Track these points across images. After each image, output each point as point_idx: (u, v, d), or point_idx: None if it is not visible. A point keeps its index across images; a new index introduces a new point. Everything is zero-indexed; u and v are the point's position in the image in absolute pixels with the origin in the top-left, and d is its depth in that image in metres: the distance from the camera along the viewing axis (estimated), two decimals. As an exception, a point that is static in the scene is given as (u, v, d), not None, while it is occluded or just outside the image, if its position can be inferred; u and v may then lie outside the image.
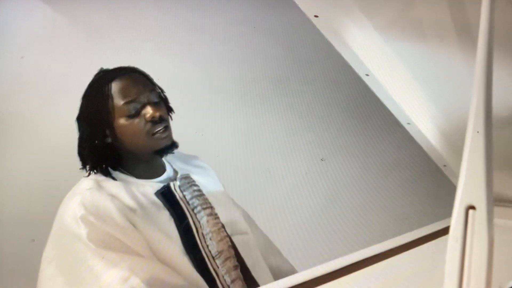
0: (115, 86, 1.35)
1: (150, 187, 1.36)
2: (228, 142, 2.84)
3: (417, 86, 1.39)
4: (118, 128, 1.34)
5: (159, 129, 1.35)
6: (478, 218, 0.76)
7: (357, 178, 2.85)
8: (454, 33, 1.26)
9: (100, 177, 1.34)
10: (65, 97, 2.48)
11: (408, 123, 1.49)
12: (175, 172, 1.47)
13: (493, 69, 1.32)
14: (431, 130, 1.47)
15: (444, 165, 1.58)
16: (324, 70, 3.21)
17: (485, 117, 0.80)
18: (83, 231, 1.18)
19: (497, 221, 1.45)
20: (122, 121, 1.33)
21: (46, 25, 2.90)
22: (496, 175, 1.58)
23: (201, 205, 1.41)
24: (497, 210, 1.58)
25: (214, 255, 1.36)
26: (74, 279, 1.17)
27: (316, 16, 1.25)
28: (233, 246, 1.43)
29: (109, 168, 1.37)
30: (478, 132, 0.79)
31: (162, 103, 1.42)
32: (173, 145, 1.39)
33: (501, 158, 1.56)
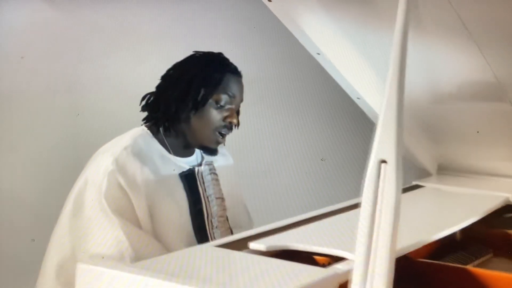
0: (227, 79, 1.51)
1: (178, 166, 1.50)
2: (228, 142, 2.76)
3: (365, 63, 1.53)
4: (205, 109, 1.49)
5: (224, 133, 1.53)
6: (389, 170, 0.90)
7: (356, 178, 2.89)
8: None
9: (142, 138, 1.48)
10: (66, 97, 2.53)
11: (358, 98, 1.64)
12: (202, 156, 1.60)
13: (441, 52, 1.48)
14: (375, 100, 1.62)
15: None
16: (324, 70, 3.20)
17: (398, 88, 0.94)
18: (104, 185, 1.35)
19: (452, 188, 1.62)
20: (211, 106, 1.49)
21: (46, 25, 2.84)
22: (454, 147, 1.73)
23: (215, 193, 1.55)
24: (457, 179, 1.75)
25: None
26: (79, 222, 1.36)
27: (269, 1, 1.39)
28: None
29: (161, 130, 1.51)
30: (391, 101, 0.93)
31: (238, 112, 1.57)
32: (216, 151, 1.57)
33: (462, 132, 1.72)
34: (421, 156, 1.83)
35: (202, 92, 1.47)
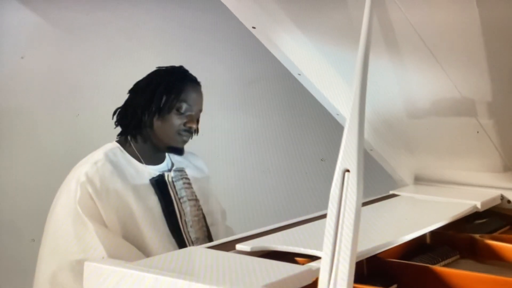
0: (187, 88, 1.69)
1: (148, 173, 1.67)
2: (228, 142, 2.84)
3: (342, 80, 1.67)
4: (167, 115, 1.66)
5: (184, 135, 1.69)
6: (351, 178, 1.04)
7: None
8: (375, 36, 1.53)
9: (112, 152, 1.66)
10: (65, 98, 2.56)
11: (337, 114, 1.78)
12: (172, 164, 1.76)
13: (412, 72, 1.61)
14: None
15: (371, 150, 1.87)
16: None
17: (359, 107, 1.08)
18: (78, 194, 1.53)
19: (425, 197, 1.75)
20: (172, 112, 1.66)
21: (46, 25, 2.92)
22: (429, 159, 1.86)
23: (187, 196, 1.71)
24: (431, 188, 1.87)
25: (193, 240, 1.67)
26: (58, 235, 1.54)
27: (253, 28, 1.54)
28: (209, 236, 1.75)
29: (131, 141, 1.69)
30: (353, 118, 1.07)
31: (197, 120, 1.75)
32: (181, 151, 1.74)
33: (430, 144, 1.85)
34: (398, 167, 1.96)
35: (164, 99, 1.65)
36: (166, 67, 1.75)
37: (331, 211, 1.03)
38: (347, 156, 1.04)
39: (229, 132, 2.87)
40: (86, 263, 1.18)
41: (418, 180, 1.98)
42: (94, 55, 2.81)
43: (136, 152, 1.69)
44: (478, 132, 1.70)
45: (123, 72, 2.66)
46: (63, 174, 1.77)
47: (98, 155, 1.64)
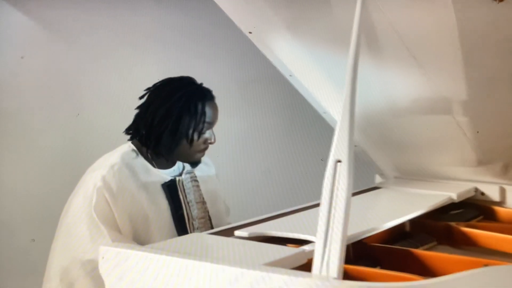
0: (207, 108, 1.73)
1: (161, 177, 1.74)
2: (228, 142, 2.79)
3: (330, 81, 1.80)
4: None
5: (205, 150, 1.77)
6: (343, 168, 1.16)
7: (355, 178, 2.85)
8: (366, 40, 1.66)
9: (128, 156, 1.71)
10: (65, 98, 2.57)
11: (324, 112, 1.92)
12: (183, 167, 1.84)
13: (393, 72, 1.74)
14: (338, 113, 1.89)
15: (355, 146, 2.01)
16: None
17: (350, 103, 1.21)
18: (94, 199, 1.59)
19: (406, 189, 1.88)
20: (195, 134, 1.72)
21: (46, 26, 2.87)
22: (409, 155, 1.99)
23: (195, 199, 1.80)
24: (411, 182, 1.99)
25: None
26: (72, 234, 1.61)
27: (250, 33, 1.67)
28: None
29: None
30: (345, 112, 1.20)
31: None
32: (199, 162, 1.81)
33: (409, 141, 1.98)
34: (381, 162, 2.10)
35: (187, 124, 1.70)
36: (181, 81, 1.77)
37: (325, 198, 1.15)
38: (339, 148, 1.17)
39: (229, 132, 2.79)
40: (101, 247, 1.29)
41: (400, 174, 2.11)
42: (94, 55, 2.82)
43: (150, 158, 1.74)
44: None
45: (123, 72, 2.69)
46: (63, 174, 1.82)
47: (115, 158, 1.68)
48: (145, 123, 1.71)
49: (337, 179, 1.16)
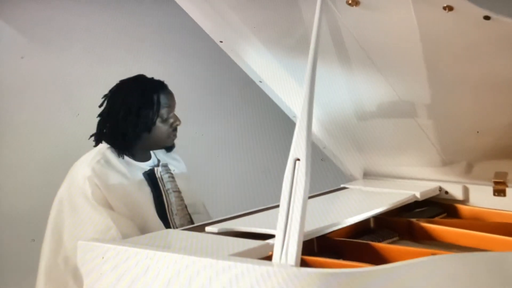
0: (162, 96, 1.90)
1: (141, 168, 1.90)
2: (228, 142, 2.85)
3: (297, 86, 1.91)
4: (154, 128, 1.89)
5: (174, 133, 1.95)
6: (301, 166, 1.26)
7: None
8: (327, 47, 1.77)
9: (109, 151, 1.86)
10: (65, 98, 2.62)
11: (294, 116, 2.02)
12: (158, 160, 2.00)
13: (358, 79, 1.85)
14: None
15: (324, 147, 2.12)
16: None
17: (308, 105, 1.31)
18: (88, 190, 1.74)
19: (371, 189, 1.98)
20: (158, 122, 1.89)
21: (46, 26, 2.92)
22: (376, 156, 2.09)
23: (172, 188, 1.95)
24: (377, 182, 2.09)
25: (178, 227, 1.89)
26: (77, 216, 1.74)
27: (221, 42, 1.78)
28: (192, 222, 1.97)
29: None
30: (304, 114, 1.30)
31: None
32: (173, 146, 2.02)
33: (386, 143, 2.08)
34: (349, 164, 2.20)
35: (145, 115, 1.87)
36: (133, 81, 1.93)
37: (284, 193, 1.25)
38: (298, 147, 1.27)
39: (229, 132, 2.86)
40: (79, 242, 1.39)
41: (367, 175, 2.22)
42: (94, 56, 2.86)
43: (123, 154, 1.89)
44: (478, 132, 1.88)
45: (122, 72, 2.56)
46: (64, 174, 1.90)
47: (96, 154, 1.84)
48: (109, 127, 1.88)
49: (295, 176, 1.25)
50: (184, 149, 2.26)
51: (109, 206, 1.75)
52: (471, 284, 1.21)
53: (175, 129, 1.95)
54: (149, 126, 1.88)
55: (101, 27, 2.94)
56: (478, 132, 1.86)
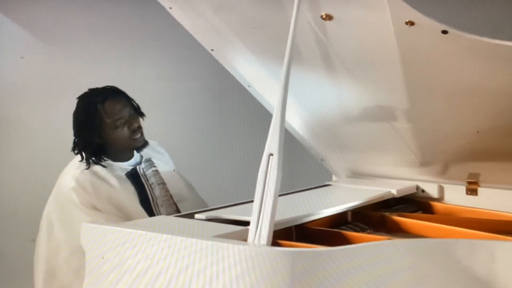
0: (106, 107, 2.05)
1: (123, 169, 2.09)
2: (228, 142, 2.91)
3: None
4: (108, 135, 2.06)
5: (137, 136, 2.10)
6: (274, 160, 1.44)
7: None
8: (312, 56, 1.94)
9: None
10: (65, 98, 2.50)
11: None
12: (141, 156, 2.18)
13: (338, 85, 2.02)
14: (296, 121, 2.19)
15: (311, 148, 2.30)
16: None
17: (281, 106, 1.48)
18: (76, 199, 1.94)
19: (352, 186, 2.15)
20: (111, 131, 2.06)
21: (46, 26, 2.97)
22: (359, 157, 2.25)
23: (156, 181, 2.15)
24: (359, 180, 2.26)
25: None
26: (70, 227, 1.93)
27: (212, 50, 1.97)
28: (178, 210, 2.17)
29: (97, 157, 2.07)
30: (277, 113, 1.48)
31: (136, 113, 2.14)
32: (145, 144, 2.16)
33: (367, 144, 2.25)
34: (334, 163, 2.38)
35: (96, 125, 2.04)
36: (85, 96, 2.10)
37: (259, 184, 1.42)
38: (272, 143, 1.44)
39: (229, 132, 2.92)
40: (82, 224, 1.58)
41: (351, 174, 2.39)
42: (94, 56, 2.92)
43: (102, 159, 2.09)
44: (478, 132, 1.98)
45: (122, 72, 2.82)
46: None
47: (78, 162, 2.04)
48: (74, 140, 2.08)
49: (269, 169, 1.43)
50: (184, 150, 2.44)
51: (97, 209, 1.95)
52: (415, 264, 1.39)
53: (134, 131, 2.09)
54: (99, 134, 2.04)
55: (101, 27, 3.01)
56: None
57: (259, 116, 2.78)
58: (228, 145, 2.88)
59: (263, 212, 1.40)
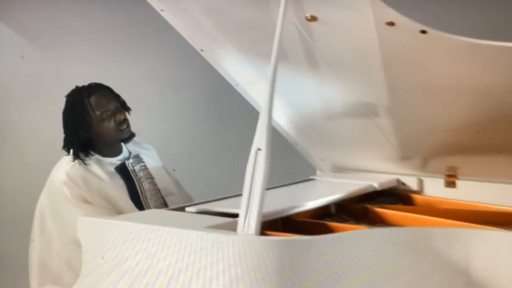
0: (92, 101, 2.12)
1: (112, 164, 2.16)
2: (228, 142, 2.92)
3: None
4: (95, 129, 2.13)
5: (123, 128, 2.17)
6: (261, 155, 1.51)
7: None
8: (297, 55, 2.01)
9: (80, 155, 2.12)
10: (61, 99, 2.48)
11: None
12: (129, 152, 2.26)
13: (323, 82, 2.10)
14: (282, 118, 2.28)
15: (296, 144, 2.38)
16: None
17: (269, 103, 1.56)
18: (67, 192, 2.01)
19: (336, 180, 2.24)
20: (98, 124, 2.13)
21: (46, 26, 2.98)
22: (343, 152, 2.34)
23: (145, 176, 2.22)
24: (343, 174, 2.34)
25: None
26: (61, 219, 2.00)
27: (202, 50, 2.04)
28: (165, 204, 2.24)
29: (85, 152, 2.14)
30: (263, 110, 1.56)
31: (122, 107, 2.21)
32: (132, 136, 2.21)
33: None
34: (318, 158, 2.46)
35: (83, 120, 2.12)
36: (69, 96, 2.16)
37: (247, 178, 1.49)
38: (259, 138, 1.51)
39: (229, 132, 2.92)
40: (79, 218, 1.65)
41: (335, 168, 2.47)
42: (94, 55, 2.94)
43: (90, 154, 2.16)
44: (478, 132, 2.03)
45: (122, 72, 2.84)
46: None
47: (69, 158, 2.11)
48: (64, 138, 2.16)
49: (257, 163, 1.50)
50: (184, 150, 2.51)
51: (88, 202, 2.01)
52: (394, 251, 1.48)
53: (121, 123, 2.16)
54: (86, 129, 2.12)
55: (101, 27, 3.03)
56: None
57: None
58: (228, 145, 2.92)
59: (251, 204, 1.47)
